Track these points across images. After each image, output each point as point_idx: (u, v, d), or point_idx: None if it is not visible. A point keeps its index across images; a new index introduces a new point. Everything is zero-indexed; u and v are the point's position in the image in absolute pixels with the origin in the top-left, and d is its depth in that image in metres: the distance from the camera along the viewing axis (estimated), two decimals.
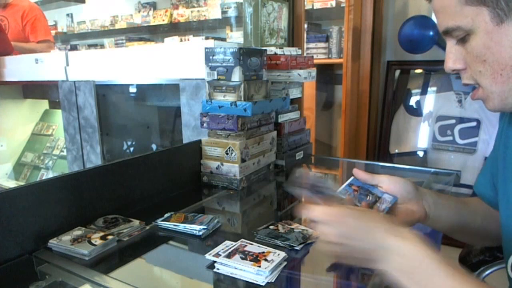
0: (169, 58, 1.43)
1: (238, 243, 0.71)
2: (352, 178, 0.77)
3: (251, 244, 0.71)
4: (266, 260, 0.65)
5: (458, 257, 0.93)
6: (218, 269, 0.65)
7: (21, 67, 1.98)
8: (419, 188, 0.73)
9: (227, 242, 0.73)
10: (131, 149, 1.96)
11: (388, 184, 0.72)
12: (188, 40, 3.39)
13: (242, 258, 0.66)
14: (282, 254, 0.67)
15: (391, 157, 2.33)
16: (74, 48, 4.34)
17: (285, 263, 0.67)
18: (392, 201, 0.70)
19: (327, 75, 2.76)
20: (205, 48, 1.10)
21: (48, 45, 2.62)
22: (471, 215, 0.75)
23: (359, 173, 0.75)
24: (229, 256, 0.67)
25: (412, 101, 2.31)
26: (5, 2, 2.60)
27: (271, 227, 0.81)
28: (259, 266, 0.63)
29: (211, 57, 1.09)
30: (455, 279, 0.48)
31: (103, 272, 0.67)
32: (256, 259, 0.66)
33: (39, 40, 2.60)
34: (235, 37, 3.16)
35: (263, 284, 0.61)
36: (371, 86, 2.33)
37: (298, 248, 0.73)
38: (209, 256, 0.67)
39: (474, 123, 2.10)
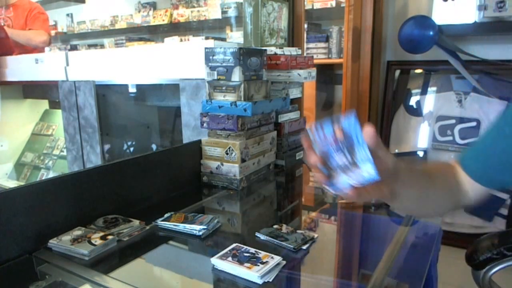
0: (169, 58, 1.43)
1: (233, 245, 0.71)
2: (346, 119, 0.50)
3: (247, 247, 0.71)
4: (261, 263, 0.65)
5: (464, 256, 0.92)
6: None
7: (21, 67, 1.98)
8: (399, 168, 0.57)
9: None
10: (131, 149, 1.96)
11: (382, 157, 0.53)
12: (188, 40, 3.39)
13: (238, 261, 0.66)
14: (277, 258, 0.67)
15: None
16: (74, 48, 4.34)
17: (284, 262, 0.67)
18: (369, 179, 0.50)
19: (327, 75, 2.76)
20: (205, 48, 1.10)
21: (39, 31, 2.54)
22: (436, 195, 0.69)
23: (369, 132, 0.50)
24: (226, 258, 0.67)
25: (412, 101, 2.31)
26: (7, 2, 2.60)
27: (275, 226, 0.82)
28: (250, 269, 0.63)
29: (211, 57, 1.09)
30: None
31: (103, 272, 0.67)
32: (250, 261, 0.66)
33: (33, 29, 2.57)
34: (235, 37, 3.16)
35: (260, 283, 0.62)
36: (371, 86, 2.33)
37: (296, 248, 0.73)
38: (214, 260, 0.67)
39: (474, 123, 2.09)
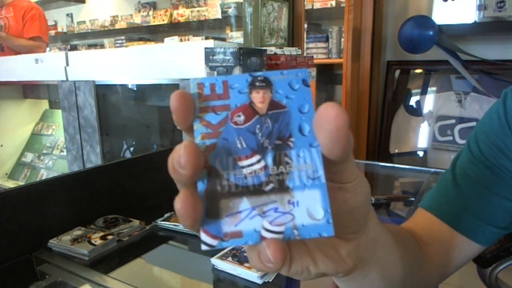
0: (169, 58, 1.43)
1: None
2: (283, 74, 0.23)
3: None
4: None
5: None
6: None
7: (21, 67, 1.98)
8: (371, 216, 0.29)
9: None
10: (131, 149, 1.96)
11: (349, 186, 0.25)
12: (188, 40, 3.38)
13: (238, 261, 0.66)
14: None
15: (391, 157, 2.33)
16: (74, 48, 4.34)
17: None
18: (312, 231, 0.22)
19: (327, 75, 2.76)
20: (205, 48, 1.10)
21: (38, 44, 2.58)
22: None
23: (332, 120, 0.20)
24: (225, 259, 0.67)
25: (412, 101, 2.31)
26: (3, 2, 2.60)
27: None
28: (250, 269, 0.63)
29: (211, 57, 1.09)
30: None
31: (103, 272, 0.67)
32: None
33: (30, 37, 2.59)
34: (235, 37, 3.16)
35: (260, 283, 0.62)
36: (371, 86, 2.33)
37: None
38: (213, 260, 0.67)
39: (474, 123, 2.09)
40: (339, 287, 0.36)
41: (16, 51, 2.46)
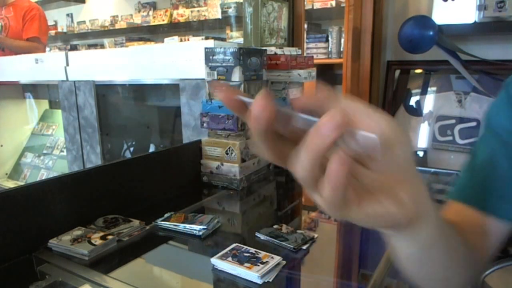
0: (169, 58, 1.43)
1: (233, 245, 0.71)
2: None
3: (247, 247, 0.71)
4: (261, 263, 0.65)
5: None
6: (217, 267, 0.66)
7: (21, 67, 1.98)
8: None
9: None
10: (131, 149, 1.96)
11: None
12: (188, 40, 3.39)
13: (238, 261, 0.66)
14: (277, 258, 0.67)
15: None
16: (74, 48, 4.35)
17: (284, 262, 0.67)
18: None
19: (327, 75, 2.75)
20: (205, 48, 1.10)
21: (36, 45, 2.58)
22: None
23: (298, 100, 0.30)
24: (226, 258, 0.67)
25: (412, 101, 2.31)
26: (5, 2, 2.60)
27: (275, 226, 0.82)
28: (250, 269, 0.63)
29: (211, 57, 1.09)
30: None
31: (103, 272, 0.67)
32: (250, 261, 0.66)
33: (28, 37, 2.58)
34: (235, 37, 3.16)
35: (260, 283, 0.62)
36: (371, 86, 2.33)
37: (296, 248, 0.73)
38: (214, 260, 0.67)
39: (474, 123, 2.09)
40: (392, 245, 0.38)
41: (15, 52, 2.46)
